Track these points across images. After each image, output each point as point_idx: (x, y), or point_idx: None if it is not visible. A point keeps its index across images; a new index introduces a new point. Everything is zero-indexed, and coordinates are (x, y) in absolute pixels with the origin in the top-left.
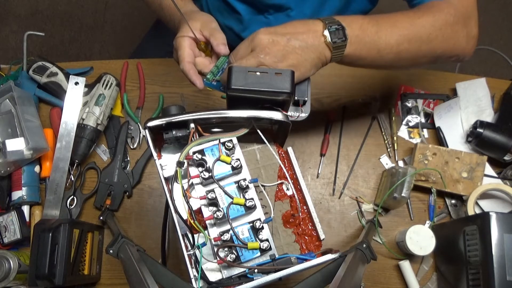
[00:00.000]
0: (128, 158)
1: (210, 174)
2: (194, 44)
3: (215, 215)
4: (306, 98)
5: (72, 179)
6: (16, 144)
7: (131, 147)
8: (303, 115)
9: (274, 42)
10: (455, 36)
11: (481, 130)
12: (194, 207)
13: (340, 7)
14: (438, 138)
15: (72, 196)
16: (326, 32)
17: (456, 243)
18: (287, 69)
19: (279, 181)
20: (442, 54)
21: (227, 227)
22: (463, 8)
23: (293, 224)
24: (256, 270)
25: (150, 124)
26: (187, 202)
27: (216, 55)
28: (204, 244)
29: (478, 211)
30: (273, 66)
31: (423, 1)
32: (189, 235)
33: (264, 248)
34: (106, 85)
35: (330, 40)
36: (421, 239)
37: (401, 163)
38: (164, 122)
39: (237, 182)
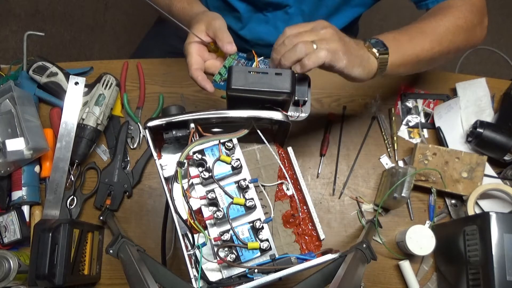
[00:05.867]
0: (128, 158)
1: (210, 174)
2: (203, 48)
3: (215, 215)
4: (306, 98)
5: (72, 179)
6: (16, 144)
7: (131, 147)
8: (303, 115)
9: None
10: (473, 30)
11: (481, 130)
12: (194, 207)
13: (339, 3)
14: (438, 138)
15: (72, 196)
16: (368, 43)
17: (456, 243)
18: (287, 69)
19: (279, 181)
20: (463, 48)
21: (227, 227)
22: (479, 3)
23: (293, 224)
24: (256, 270)
25: (150, 124)
26: (187, 202)
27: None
28: (204, 244)
29: (478, 211)
30: (323, 37)
31: (437, 1)
32: (189, 235)
33: (264, 248)
34: (106, 85)
35: (374, 49)
36: (421, 239)
37: (401, 163)
38: (164, 122)
39: (237, 182)
